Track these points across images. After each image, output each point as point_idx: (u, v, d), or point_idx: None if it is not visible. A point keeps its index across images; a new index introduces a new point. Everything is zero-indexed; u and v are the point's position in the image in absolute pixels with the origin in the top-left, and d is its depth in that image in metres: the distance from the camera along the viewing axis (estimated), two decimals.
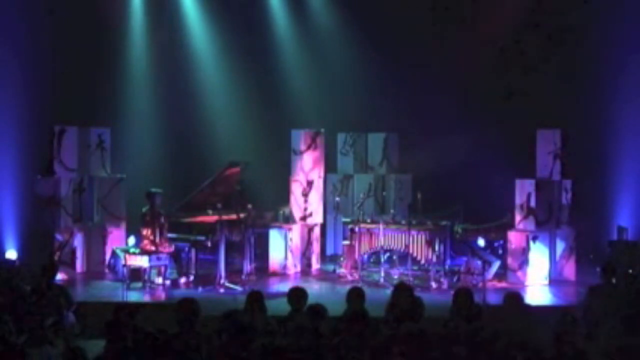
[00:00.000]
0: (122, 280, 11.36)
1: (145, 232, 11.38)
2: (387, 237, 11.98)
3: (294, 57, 14.08)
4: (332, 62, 13.88)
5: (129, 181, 13.12)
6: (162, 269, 11.28)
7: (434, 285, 11.51)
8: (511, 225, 12.14)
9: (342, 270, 12.77)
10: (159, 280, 11.30)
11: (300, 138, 13.35)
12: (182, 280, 11.54)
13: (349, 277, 12.28)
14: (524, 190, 12.14)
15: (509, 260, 12.01)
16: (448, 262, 11.72)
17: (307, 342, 5.96)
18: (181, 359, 5.97)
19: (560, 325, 6.51)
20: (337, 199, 13.61)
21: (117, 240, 12.80)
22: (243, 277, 11.75)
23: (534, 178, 12.28)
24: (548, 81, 13.45)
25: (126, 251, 11.55)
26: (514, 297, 7.12)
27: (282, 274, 12.64)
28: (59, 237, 12.08)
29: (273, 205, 13.11)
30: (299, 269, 13.02)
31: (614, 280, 8.81)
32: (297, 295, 7.12)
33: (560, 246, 12.22)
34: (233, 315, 6.39)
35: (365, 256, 12.38)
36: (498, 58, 13.54)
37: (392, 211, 12.27)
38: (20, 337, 7.00)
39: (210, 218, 11.63)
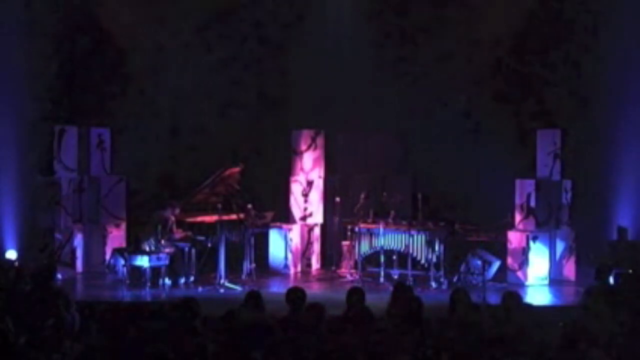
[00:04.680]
0: (122, 280, 11.38)
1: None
2: (387, 237, 11.99)
3: (294, 57, 14.06)
4: (332, 62, 13.86)
5: (129, 181, 13.14)
6: (162, 269, 11.28)
7: (434, 285, 11.52)
8: (511, 226, 12.15)
9: (342, 270, 12.78)
10: (160, 280, 11.29)
11: (300, 138, 13.36)
12: (182, 280, 11.54)
13: (349, 277, 12.29)
14: (524, 190, 12.16)
15: (509, 260, 12.02)
16: (448, 262, 11.72)
17: (306, 341, 5.96)
18: (181, 359, 5.97)
19: (563, 327, 6.52)
20: (337, 199, 13.59)
21: (117, 240, 12.82)
22: (243, 277, 11.77)
23: (534, 178, 12.30)
24: (548, 81, 13.46)
25: (126, 251, 11.56)
26: (514, 297, 7.12)
27: (282, 274, 12.66)
28: (59, 237, 12.09)
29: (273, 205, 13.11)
30: (299, 269, 13.03)
31: (611, 281, 8.80)
32: (295, 295, 7.12)
33: (560, 246, 12.23)
34: (233, 315, 6.39)
35: (365, 256, 12.38)
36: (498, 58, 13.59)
37: (392, 211, 12.25)
38: (20, 337, 6.99)
39: (210, 218, 11.64)
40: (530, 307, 7.36)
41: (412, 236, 11.75)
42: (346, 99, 13.80)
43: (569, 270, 12.20)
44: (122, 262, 11.53)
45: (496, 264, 11.71)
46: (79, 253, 12.48)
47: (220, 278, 11.35)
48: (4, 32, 12.34)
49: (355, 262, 12.32)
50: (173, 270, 11.42)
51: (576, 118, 13.01)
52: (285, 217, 13.28)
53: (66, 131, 12.53)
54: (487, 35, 13.45)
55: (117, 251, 12.10)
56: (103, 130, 13.14)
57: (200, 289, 11.21)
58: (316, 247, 13.42)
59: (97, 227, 12.83)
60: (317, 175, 13.46)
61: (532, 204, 12.07)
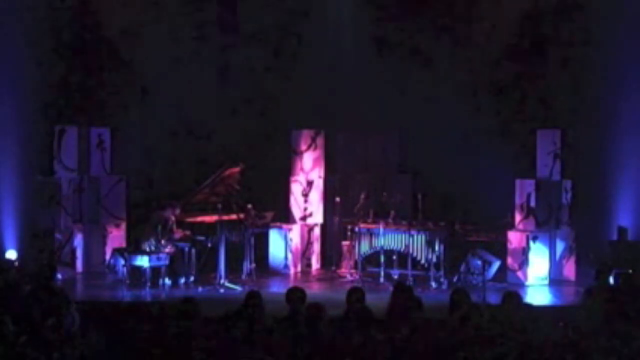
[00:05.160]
0: (122, 280, 11.38)
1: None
2: (387, 237, 11.99)
3: (294, 57, 14.06)
4: (332, 62, 13.85)
5: (130, 181, 13.14)
6: (162, 269, 11.27)
7: (434, 285, 11.52)
8: (511, 226, 12.15)
9: (342, 270, 12.78)
10: (160, 280, 11.29)
11: (300, 138, 13.36)
12: (182, 280, 11.53)
13: (349, 277, 12.29)
14: (524, 190, 12.16)
15: (509, 260, 12.02)
16: (448, 262, 11.71)
17: (306, 341, 5.96)
18: (181, 359, 5.98)
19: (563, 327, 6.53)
20: (337, 199, 13.58)
21: (117, 240, 12.81)
22: (243, 277, 11.76)
23: (534, 178, 12.30)
24: (548, 81, 13.46)
25: (126, 251, 11.55)
26: (514, 297, 7.12)
27: (282, 274, 12.65)
28: (59, 237, 12.09)
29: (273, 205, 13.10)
30: (299, 269, 13.03)
31: (611, 281, 8.78)
32: (295, 295, 7.12)
33: (560, 246, 12.22)
34: (232, 315, 6.40)
35: (365, 256, 12.38)
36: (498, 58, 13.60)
37: (392, 211, 12.25)
38: (20, 337, 6.99)
39: (210, 218, 11.64)
40: (530, 307, 7.35)
41: (412, 236, 11.75)
42: (346, 99, 13.79)
43: (569, 270, 12.20)
44: (122, 262, 11.52)
45: (496, 264, 11.71)
46: (79, 253, 12.48)
47: (220, 278, 11.34)
48: (4, 32, 12.33)
49: (355, 262, 12.31)
50: (173, 270, 11.41)
51: (576, 118, 13.00)
52: (285, 217, 13.27)
53: (66, 131, 12.53)
54: (487, 35, 13.45)
55: (117, 251, 12.10)
56: (103, 130, 13.13)
57: (200, 289, 11.21)
58: (316, 247, 13.41)
59: (97, 227, 12.82)
60: (317, 175, 13.45)
61: (532, 204, 12.06)
